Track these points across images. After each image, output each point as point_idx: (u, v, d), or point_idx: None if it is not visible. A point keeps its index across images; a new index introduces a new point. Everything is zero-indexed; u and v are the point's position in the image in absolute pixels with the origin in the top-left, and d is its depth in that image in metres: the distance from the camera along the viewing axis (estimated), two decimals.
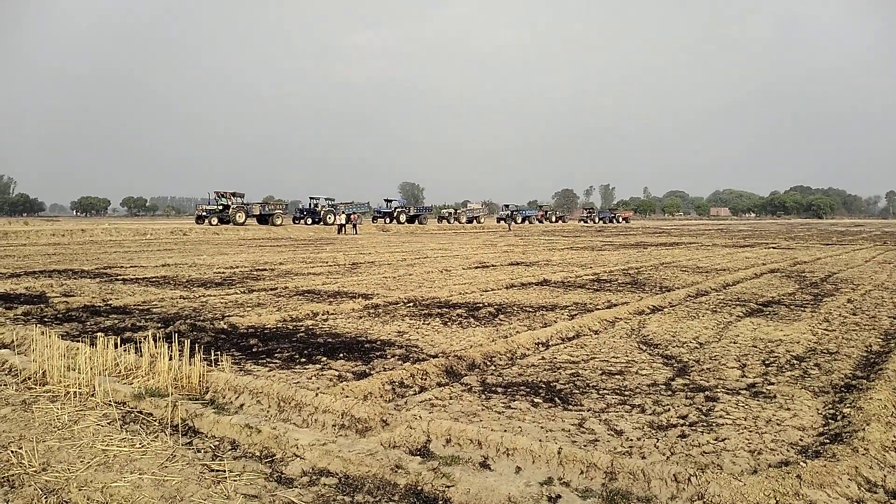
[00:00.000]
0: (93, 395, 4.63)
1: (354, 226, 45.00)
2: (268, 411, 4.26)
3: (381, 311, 8.61)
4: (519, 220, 75.16)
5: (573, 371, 5.39)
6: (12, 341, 6.33)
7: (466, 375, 5.24)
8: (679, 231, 49.30)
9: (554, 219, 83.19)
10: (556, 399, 4.59)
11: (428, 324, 7.60)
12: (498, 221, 76.46)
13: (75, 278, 12.65)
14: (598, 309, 8.57)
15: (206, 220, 46.82)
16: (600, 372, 5.36)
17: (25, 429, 4.06)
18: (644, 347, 6.32)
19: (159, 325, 7.38)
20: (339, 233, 42.53)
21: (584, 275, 13.42)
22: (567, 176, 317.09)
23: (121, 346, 5.73)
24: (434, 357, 5.74)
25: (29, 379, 5.08)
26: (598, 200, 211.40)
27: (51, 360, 5.10)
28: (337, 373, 5.27)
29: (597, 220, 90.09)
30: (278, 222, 49.63)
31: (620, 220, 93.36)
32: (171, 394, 4.43)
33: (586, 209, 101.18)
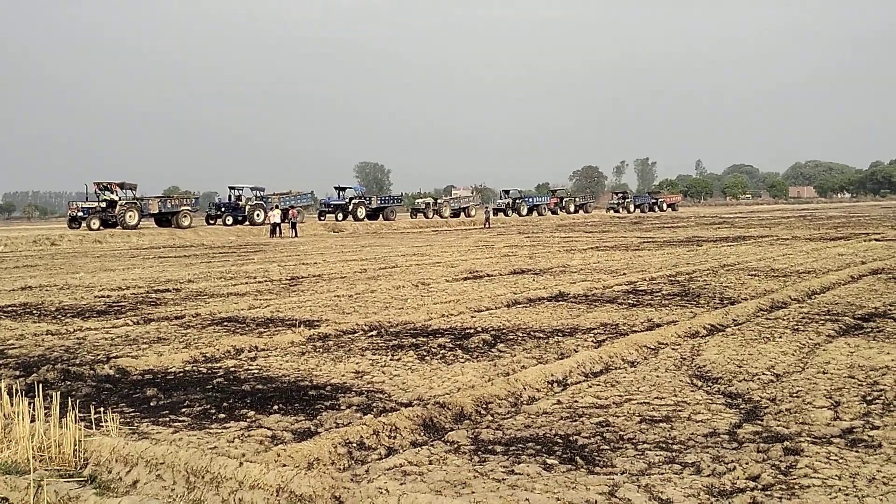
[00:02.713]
0: None
1: (293, 225, 44.97)
2: (172, 489, 4.23)
3: (331, 343, 8.61)
4: (523, 212, 75.40)
5: (601, 419, 5.41)
6: None
7: (452, 430, 5.24)
8: (746, 220, 49.75)
9: (573, 208, 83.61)
10: (578, 458, 4.60)
11: (398, 359, 7.61)
12: (495, 213, 76.72)
13: None
14: (636, 331, 8.64)
15: (85, 224, 46.53)
16: (639, 419, 5.38)
17: None
18: (699, 383, 6.36)
19: (18, 373, 7.31)
20: (272, 235, 42.51)
21: (615, 284, 13.51)
22: (590, 149, 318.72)
23: None
24: (407, 406, 5.73)
25: None
26: (632, 181, 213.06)
27: None
28: (270, 432, 5.25)
29: (632, 209, 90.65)
30: (185, 223, 49.48)
31: (665, 207, 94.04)
32: (34, 469, 4.38)
33: (617, 193, 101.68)
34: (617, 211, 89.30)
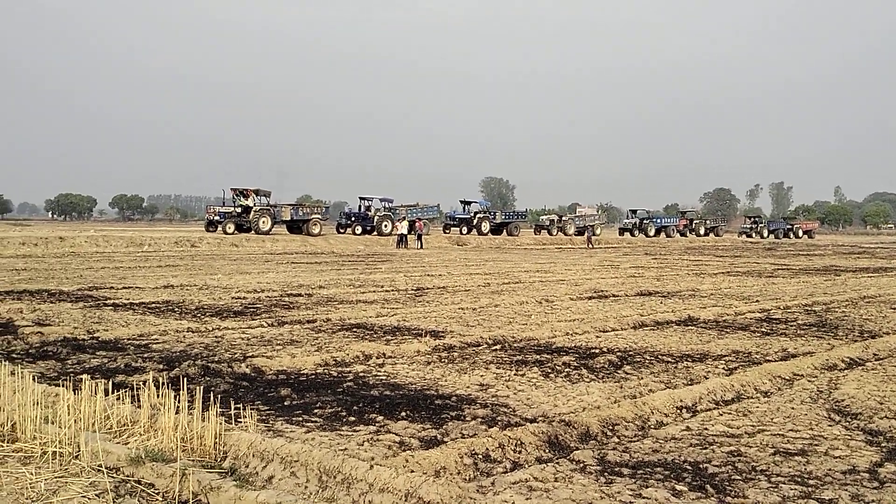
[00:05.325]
0: (77, 456, 4.88)
1: (419, 237, 45.58)
2: (306, 487, 4.38)
3: (456, 354, 8.71)
4: (651, 233, 74.11)
5: (732, 448, 5.29)
6: None
7: (578, 449, 5.23)
8: (888, 251, 47.38)
9: (703, 230, 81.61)
10: (708, 487, 4.52)
11: (522, 374, 7.64)
12: (621, 233, 75.61)
13: (52, 302, 13.38)
14: (769, 361, 8.40)
15: (220, 227, 48.38)
16: (772, 451, 5.24)
17: None
18: (837, 417, 6.15)
19: (161, 366, 7.71)
20: (398, 246, 43.18)
21: (747, 311, 13.15)
22: (722, 171, 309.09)
23: (112, 392, 6.01)
24: (531, 421, 5.75)
25: None
26: (766, 205, 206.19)
27: (22, 408, 5.40)
28: (398, 438, 5.37)
29: (765, 234, 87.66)
30: (315, 231, 50.70)
31: (800, 233, 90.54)
32: (179, 458, 4.62)
33: (750, 217, 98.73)
34: (749, 236, 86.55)
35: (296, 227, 51.62)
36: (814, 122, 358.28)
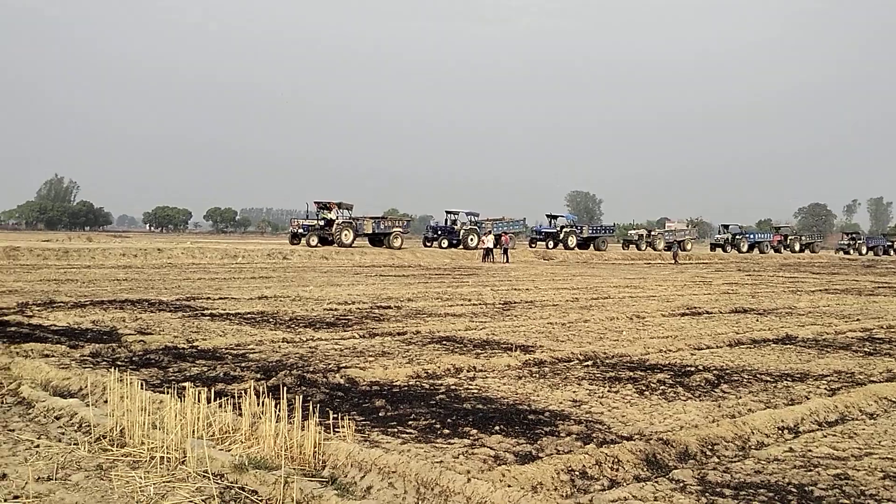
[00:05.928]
0: (183, 462, 5.04)
1: (505, 251, 45.47)
2: (403, 499, 4.42)
3: (547, 369, 8.68)
4: (743, 248, 72.46)
5: (838, 471, 5.14)
6: (81, 388, 7.04)
7: (677, 468, 5.16)
8: None
9: (798, 247, 79.37)
10: None
11: (616, 391, 7.57)
12: (713, 249, 74.11)
13: (152, 311, 13.85)
14: (874, 382, 8.16)
15: (304, 240, 49.00)
16: (881, 475, 5.08)
17: (103, 501, 4.50)
18: None
19: (259, 375, 7.90)
20: (484, 260, 43.26)
21: (847, 330, 12.76)
22: (818, 186, 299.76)
23: (213, 400, 6.18)
24: (628, 439, 5.69)
25: (104, 438, 5.62)
26: (864, 221, 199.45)
27: (130, 414, 5.61)
28: (492, 452, 5.38)
29: (864, 251, 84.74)
30: (396, 244, 50.84)
31: None
32: (283, 466, 4.72)
33: (847, 234, 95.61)
34: (847, 252, 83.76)
35: (378, 239, 52.03)
36: None
